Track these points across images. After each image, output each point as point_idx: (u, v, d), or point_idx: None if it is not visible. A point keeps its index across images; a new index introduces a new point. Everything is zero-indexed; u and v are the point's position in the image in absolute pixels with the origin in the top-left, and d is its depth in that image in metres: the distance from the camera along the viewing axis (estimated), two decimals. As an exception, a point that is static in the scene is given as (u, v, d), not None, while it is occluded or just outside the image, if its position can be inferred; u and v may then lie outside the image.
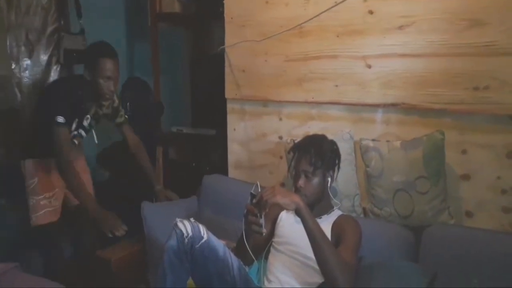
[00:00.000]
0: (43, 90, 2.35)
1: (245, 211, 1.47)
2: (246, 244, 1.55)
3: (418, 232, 1.72)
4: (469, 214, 1.82)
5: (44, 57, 2.78)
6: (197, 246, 1.47)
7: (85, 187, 2.03)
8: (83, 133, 2.20)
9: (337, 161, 1.75)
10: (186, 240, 1.45)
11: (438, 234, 1.69)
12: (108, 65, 1.99)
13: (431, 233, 1.69)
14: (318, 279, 1.50)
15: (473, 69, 1.73)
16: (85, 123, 2.18)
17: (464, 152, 1.80)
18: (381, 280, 1.40)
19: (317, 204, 1.68)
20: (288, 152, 1.77)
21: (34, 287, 1.55)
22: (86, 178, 2.25)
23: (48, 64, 2.80)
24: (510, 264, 1.50)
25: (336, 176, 1.76)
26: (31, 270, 1.81)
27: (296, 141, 1.80)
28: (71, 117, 2.06)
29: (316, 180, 1.66)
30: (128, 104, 2.91)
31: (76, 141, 2.20)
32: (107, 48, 2.05)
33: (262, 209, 1.42)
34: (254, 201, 1.45)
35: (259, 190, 1.45)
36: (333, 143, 1.77)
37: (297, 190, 1.65)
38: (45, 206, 2.17)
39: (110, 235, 1.89)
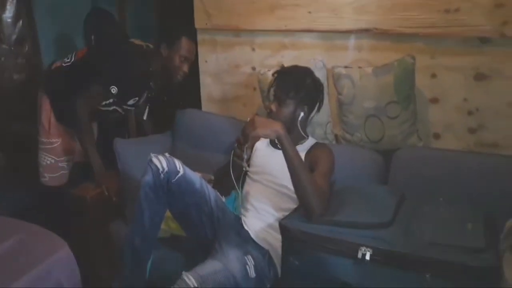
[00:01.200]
0: (100, 52, 2.20)
1: (235, 144, 1.51)
2: (232, 175, 1.59)
3: (388, 156, 1.79)
4: (436, 136, 1.89)
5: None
6: (174, 180, 1.49)
7: (95, 146, 2.03)
8: (132, 109, 2.22)
9: (315, 99, 1.72)
10: (162, 175, 1.47)
11: (407, 157, 1.75)
12: (189, 46, 2.00)
13: (400, 156, 1.76)
14: (292, 204, 1.56)
15: (445, -10, 1.70)
16: (141, 100, 2.16)
17: (433, 76, 1.82)
18: (351, 202, 1.46)
19: (290, 133, 1.69)
20: (272, 74, 1.75)
21: (9, 228, 1.55)
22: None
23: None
24: (474, 182, 1.59)
25: (313, 115, 1.75)
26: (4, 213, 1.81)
27: (282, 66, 1.80)
28: (127, 92, 2.05)
29: (286, 110, 1.66)
30: (92, 37, 2.77)
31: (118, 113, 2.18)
32: (191, 30, 2.09)
33: (244, 142, 1.44)
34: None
35: None
36: (315, 80, 1.74)
37: (268, 114, 1.68)
38: (62, 169, 2.19)
39: (106, 193, 2.00)
